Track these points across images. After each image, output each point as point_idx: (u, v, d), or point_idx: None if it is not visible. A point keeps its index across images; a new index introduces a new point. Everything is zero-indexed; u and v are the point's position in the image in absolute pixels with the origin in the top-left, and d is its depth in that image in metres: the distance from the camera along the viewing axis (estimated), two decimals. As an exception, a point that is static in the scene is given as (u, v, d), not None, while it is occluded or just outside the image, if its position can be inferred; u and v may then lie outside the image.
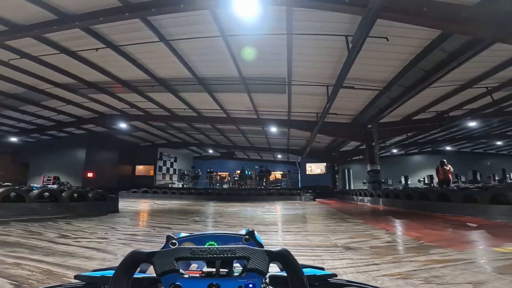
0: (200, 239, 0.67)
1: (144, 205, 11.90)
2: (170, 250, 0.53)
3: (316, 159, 21.39)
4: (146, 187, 18.58)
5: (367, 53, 7.05)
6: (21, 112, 13.61)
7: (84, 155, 18.38)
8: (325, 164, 21.82)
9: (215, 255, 0.54)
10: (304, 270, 0.61)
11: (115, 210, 8.18)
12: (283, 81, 9.49)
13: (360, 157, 20.78)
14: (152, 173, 22.38)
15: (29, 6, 6.03)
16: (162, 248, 0.59)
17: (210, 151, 24.23)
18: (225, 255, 0.54)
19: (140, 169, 22.65)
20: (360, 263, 2.67)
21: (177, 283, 0.51)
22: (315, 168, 22.21)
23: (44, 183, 17.02)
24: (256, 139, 19.58)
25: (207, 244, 0.66)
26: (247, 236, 0.72)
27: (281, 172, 25.76)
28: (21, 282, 2.12)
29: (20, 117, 14.40)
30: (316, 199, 16.55)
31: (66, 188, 7.87)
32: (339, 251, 3.33)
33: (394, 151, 22.24)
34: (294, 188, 20.71)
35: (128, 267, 0.51)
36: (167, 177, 23.57)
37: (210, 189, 20.40)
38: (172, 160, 24.24)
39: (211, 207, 11.78)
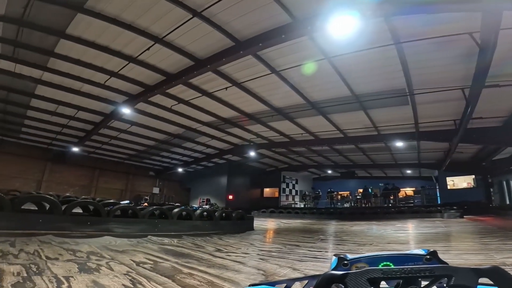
0: (374, 260, 0.60)
1: (272, 223, 12.43)
2: (363, 271, 0.49)
3: (460, 172, 17.00)
4: (272, 207, 19.50)
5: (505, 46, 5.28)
6: (183, 148, 17.01)
7: (226, 180, 21.25)
8: (473, 176, 17.04)
9: (410, 275, 0.48)
10: None
11: (251, 228, 8.89)
12: (402, 92, 8.38)
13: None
14: (276, 194, 23.44)
15: (175, 55, 7.41)
16: (332, 269, 0.56)
17: (329, 171, 23.35)
18: (422, 274, 0.48)
19: (267, 191, 24.18)
20: None
21: None
22: (459, 182, 17.64)
23: (200, 204, 20.60)
24: (379, 156, 17.43)
25: (381, 265, 0.60)
26: (428, 256, 0.64)
27: (413, 189, 21.72)
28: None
29: (183, 152, 18.01)
30: (464, 216, 12.91)
31: (215, 209, 9.24)
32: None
33: None
34: (432, 205, 16.90)
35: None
36: (290, 198, 24.10)
37: (331, 208, 19.39)
38: (293, 182, 24.78)
39: (334, 226, 11.09)
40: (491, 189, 17.07)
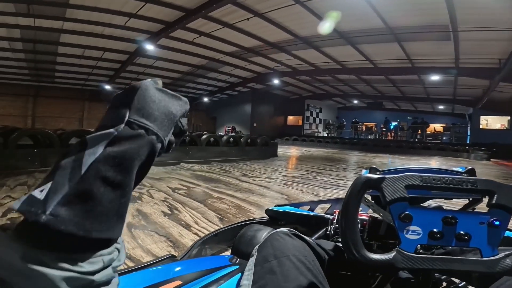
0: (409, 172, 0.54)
1: (295, 151, 12.81)
2: (401, 176, 0.46)
3: (496, 112, 15.61)
4: (296, 135, 19.79)
5: None
6: (207, 78, 17.20)
7: (250, 108, 21.62)
8: (508, 117, 15.55)
9: (451, 185, 0.45)
10: None
11: (275, 154, 9.22)
12: (444, 28, 7.89)
13: None
14: (300, 122, 23.54)
15: None
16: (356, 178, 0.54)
17: (355, 101, 22.41)
18: (464, 187, 0.45)
19: (290, 119, 24.26)
20: None
21: (407, 212, 0.45)
22: (493, 122, 16.43)
23: (226, 132, 21.40)
24: (410, 89, 16.46)
25: None
26: (466, 173, 0.62)
27: (443, 125, 20.48)
28: (223, 216, 2.68)
29: (207, 82, 18.23)
30: (491, 159, 12.30)
31: (241, 135, 9.51)
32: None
33: None
34: (461, 144, 16.15)
35: (358, 192, 0.48)
36: (314, 127, 24.25)
37: (355, 139, 19.31)
38: (318, 110, 24.44)
39: (356, 157, 11.23)
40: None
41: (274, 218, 1.01)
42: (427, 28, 8.07)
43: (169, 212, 2.65)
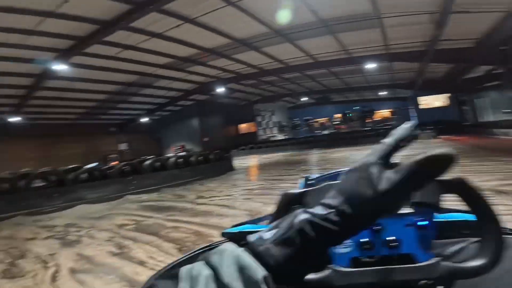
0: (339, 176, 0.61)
1: (252, 160, 13.02)
2: (320, 188, 0.47)
3: (433, 91, 18.04)
4: (251, 143, 20.09)
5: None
6: (142, 96, 16.32)
7: (198, 122, 21.15)
8: (447, 95, 18.17)
9: None
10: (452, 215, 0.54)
11: (231, 168, 9.26)
12: (368, 16, 8.80)
13: (496, 83, 16.17)
14: (254, 129, 23.97)
15: (103, 2, 6.83)
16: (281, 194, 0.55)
17: (304, 98, 23.72)
18: None
19: (243, 127, 24.55)
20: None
21: None
22: (433, 101, 18.87)
23: (174, 152, 20.66)
24: (353, 79, 17.87)
25: None
26: None
27: (390, 110, 22.93)
28: (182, 245, 2.64)
29: (143, 100, 17.29)
30: (440, 136, 14.20)
31: (190, 153, 9.33)
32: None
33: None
34: None
35: (280, 211, 0.49)
36: (268, 131, 24.76)
37: (311, 137, 20.41)
38: (269, 114, 25.11)
39: (316, 155, 11.87)
40: (464, 108, 18.45)
41: (233, 240, 1.05)
42: (352, 18, 8.84)
43: (118, 251, 2.52)
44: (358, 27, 9.54)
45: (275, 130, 25.14)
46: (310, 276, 0.44)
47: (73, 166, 7.52)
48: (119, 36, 8.62)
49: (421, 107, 19.37)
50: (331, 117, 23.50)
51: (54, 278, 2.04)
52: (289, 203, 0.50)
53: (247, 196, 4.86)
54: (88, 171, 6.39)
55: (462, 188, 0.39)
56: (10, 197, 5.12)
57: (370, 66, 13.34)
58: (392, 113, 22.55)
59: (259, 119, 24.18)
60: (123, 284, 1.87)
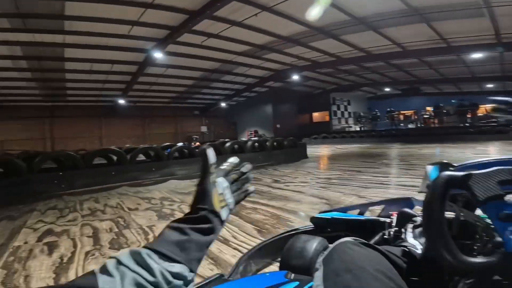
0: (492, 165, 0.50)
1: (326, 150, 12.54)
2: (491, 172, 0.44)
3: None
4: (324, 132, 19.36)
5: None
6: (222, 82, 17.30)
7: (271, 109, 21.47)
8: None
9: None
10: None
11: (305, 156, 9.07)
12: (476, 5, 7.89)
13: None
14: (327, 118, 23.04)
15: None
16: (431, 177, 0.52)
17: (387, 89, 21.47)
18: None
19: (316, 116, 23.86)
20: None
21: (507, 211, 0.43)
22: None
23: (248, 137, 21.51)
24: (450, 70, 15.49)
25: None
26: None
27: (495, 106, 18.93)
28: (261, 227, 2.65)
29: (223, 86, 18.31)
30: None
31: (266, 139, 9.49)
32: None
33: None
34: None
35: (442, 193, 0.46)
36: (343, 121, 23.54)
37: (393, 130, 18.47)
38: (345, 103, 23.75)
39: (398, 149, 10.73)
40: None
41: (321, 226, 1.00)
42: (456, 7, 7.90)
43: None
44: (460, 15, 8.57)
45: (350, 121, 23.68)
46: (477, 259, 0.43)
47: (167, 143, 8.50)
48: (205, 25, 9.19)
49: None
50: (420, 110, 20.70)
51: None
52: (453, 186, 0.46)
53: (323, 185, 4.68)
54: (179, 149, 7.10)
55: None
56: (118, 168, 6.03)
57: (476, 56, 11.70)
58: (499, 109, 18.53)
59: (334, 108, 23.06)
60: (209, 262, 1.96)
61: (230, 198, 0.46)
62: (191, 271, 0.36)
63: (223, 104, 22.39)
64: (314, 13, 7.79)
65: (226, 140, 8.08)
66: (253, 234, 2.49)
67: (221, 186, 0.44)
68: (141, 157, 7.17)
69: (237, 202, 0.48)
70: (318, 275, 0.45)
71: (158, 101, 20.36)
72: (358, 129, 22.29)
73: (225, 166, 0.48)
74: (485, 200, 0.43)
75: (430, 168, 0.65)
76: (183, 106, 22.50)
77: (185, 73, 14.59)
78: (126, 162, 6.14)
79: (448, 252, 0.45)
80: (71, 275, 1.92)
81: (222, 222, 0.43)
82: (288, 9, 8.57)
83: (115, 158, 6.34)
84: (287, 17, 9.08)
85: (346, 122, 23.70)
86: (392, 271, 0.45)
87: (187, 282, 0.35)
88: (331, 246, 0.52)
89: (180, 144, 8.10)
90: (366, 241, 0.52)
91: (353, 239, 0.52)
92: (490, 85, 18.67)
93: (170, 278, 0.32)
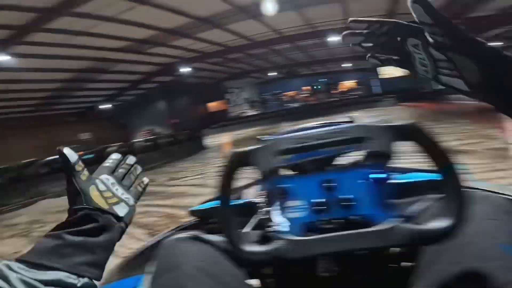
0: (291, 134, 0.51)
1: (225, 137, 12.86)
2: (270, 144, 0.41)
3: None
4: (223, 121, 19.76)
5: None
6: (100, 82, 15.34)
7: (165, 104, 20.35)
8: None
9: (324, 140, 0.39)
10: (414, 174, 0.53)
11: (202, 147, 9.04)
12: None
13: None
14: (224, 107, 23.54)
15: None
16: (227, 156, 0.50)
17: (272, 73, 23.49)
18: (336, 139, 0.39)
19: (213, 105, 24.04)
20: (479, 169, 2.26)
21: (279, 185, 0.42)
22: (394, 71, 19.61)
23: (144, 137, 19.77)
24: (318, 52, 18.11)
25: None
26: (347, 121, 0.59)
27: (354, 81, 23.46)
28: (154, 230, 2.50)
29: (102, 86, 16.31)
30: (401, 104, 14.84)
31: (158, 136, 8.95)
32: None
33: None
34: (373, 95, 18.89)
35: (230, 172, 0.43)
36: (238, 108, 24.49)
37: (281, 110, 20.48)
38: (238, 90, 24.70)
39: (287, 127, 11.97)
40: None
41: (203, 219, 0.95)
42: None
43: None
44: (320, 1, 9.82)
45: (245, 107, 24.90)
46: (256, 248, 0.40)
47: (29, 160, 6.92)
48: (65, 22, 7.98)
49: (381, 77, 20.02)
50: (300, 90, 23.61)
51: None
52: (240, 164, 0.43)
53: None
54: (46, 163, 5.89)
55: (417, 136, 0.35)
56: None
57: (332, 39, 13.53)
58: (357, 83, 23.23)
59: (228, 96, 23.68)
60: None
61: (124, 194, 0.42)
62: (81, 276, 0.32)
63: (107, 106, 19.91)
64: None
65: (111, 145, 7.14)
66: (144, 239, 2.30)
67: (104, 183, 0.41)
68: None
69: (138, 196, 0.46)
70: (147, 279, 0.43)
71: (16, 111, 16.45)
72: (253, 113, 23.71)
73: (107, 164, 0.44)
74: (265, 176, 0.40)
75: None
76: (53, 113, 18.83)
77: (48, 76, 12.25)
78: None
79: (231, 240, 0.42)
80: None
81: (119, 219, 0.39)
82: (169, 1, 8.20)
83: None
84: (167, 9, 8.67)
85: (242, 108, 24.80)
86: (221, 266, 0.43)
87: None
88: (159, 246, 0.49)
89: (48, 158, 6.67)
90: (199, 235, 0.49)
91: (184, 234, 0.49)
92: (348, 64, 22.85)
93: (39, 285, 0.28)
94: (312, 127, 0.54)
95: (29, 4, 6.64)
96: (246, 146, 0.44)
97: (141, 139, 8.38)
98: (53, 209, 4.22)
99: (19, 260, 0.30)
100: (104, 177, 0.41)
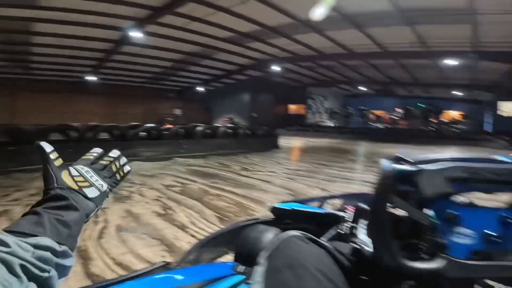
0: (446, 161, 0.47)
1: (298, 142, 12.73)
2: (442, 168, 0.42)
3: None
4: (298, 125, 19.58)
5: None
6: (201, 66, 16.92)
7: (249, 97, 21.39)
8: None
9: (504, 177, 0.40)
10: None
11: (276, 146, 9.09)
12: (463, 11, 7.90)
13: None
14: (303, 111, 23.44)
15: None
16: (384, 170, 0.48)
17: (363, 88, 22.06)
18: None
19: (292, 108, 24.13)
20: None
21: (454, 212, 0.41)
22: None
23: (223, 123, 21.14)
24: (423, 74, 16.12)
25: None
26: None
27: (461, 113, 20.06)
28: (223, 215, 2.56)
29: (201, 70, 17.91)
30: None
31: (239, 126, 9.37)
32: None
33: None
34: (483, 132, 15.88)
35: (388, 187, 0.43)
36: (318, 116, 23.91)
37: (363, 128, 19.11)
38: (322, 98, 24.12)
39: (365, 147, 11.12)
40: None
41: (280, 217, 0.97)
42: (442, 11, 7.90)
43: (163, 212, 2.55)
44: (444, 21, 8.63)
45: (325, 116, 24.15)
46: (419, 264, 0.40)
47: (134, 123, 8.05)
48: (190, 7, 8.91)
49: (500, 113, 16.62)
50: (391, 111, 21.54)
51: (100, 234, 2.09)
52: (401, 180, 0.43)
53: (290, 176, 4.69)
54: (147, 129, 6.75)
55: None
56: (76, 146, 5.56)
57: (451, 62, 11.86)
58: (464, 116, 19.82)
59: (310, 102, 23.34)
60: (163, 248, 1.82)
61: (99, 181, 0.45)
62: (62, 244, 0.35)
63: (200, 89, 21.97)
64: (318, 13, 7.81)
65: (198, 124, 7.83)
66: (213, 221, 2.40)
67: (77, 170, 0.44)
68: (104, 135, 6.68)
69: (116, 184, 0.49)
70: (260, 270, 0.44)
71: (131, 81, 19.64)
72: (331, 124, 22.82)
73: (85, 156, 0.48)
74: (431, 198, 0.41)
75: (384, 162, 0.59)
76: (158, 87, 21.86)
77: (164, 55, 14.10)
78: (85, 139, 5.69)
79: (388, 254, 0.42)
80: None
81: (89, 199, 0.42)
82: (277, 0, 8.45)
83: (74, 134, 5.81)
84: (275, 8, 8.93)
85: (321, 117, 24.15)
86: (334, 271, 0.44)
87: (58, 253, 0.34)
88: (275, 240, 0.50)
89: (148, 125, 7.66)
90: (312, 236, 0.50)
91: (300, 233, 0.50)
92: (457, 92, 19.74)
93: (29, 248, 0.31)
94: (483, 159, 0.51)
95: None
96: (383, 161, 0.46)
97: (224, 125, 8.95)
98: (141, 171, 4.75)
99: (7, 231, 0.33)
100: (79, 166, 0.45)
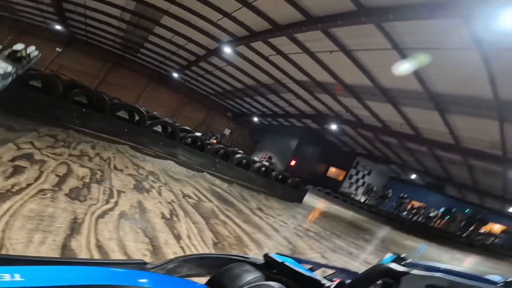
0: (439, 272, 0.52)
1: (322, 205, 12.28)
2: (425, 275, 0.44)
3: None
4: (331, 189, 18.91)
5: None
6: (265, 99, 17.52)
7: (295, 144, 21.33)
8: None
9: None
10: None
11: (300, 200, 8.93)
12: None
13: None
14: (341, 178, 22.64)
15: (288, 7, 7.26)
16: (382, 262, 0.53)
17: (413, 176, 20.73)
18: None
19: (332, 171, 23.52)
20: None
21: None
22: None
23: (261, 158, 21.43)
24: (486, 180, 14.56)
25: None
26: (502, 284, 0.56)
27: (504, 227, 17.84)
28: (219, 241, 2.68)
29: (264, 103, 18.62)
30: None
31: (274, 168, 9.42)
32: None
33: None
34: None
35: (370, 279, 0.47)
36: (353, 187, 22.85)
37: (393, 215, 17.72)
38: (365, 172, 23.14)
39: (386, 232, 10.37)
40: None
41: (269, 265, 0.98)
42: None
43: (168, 216, 2.70)
44: None
45: (360, 189, 23.00)
46: None
47: (186, 127, 8.63)
48: (280, 41, 9.32)
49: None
50: (430, 207, 19.76)
51: (104, 214, 2.09)
52: (382, 275, 0.47)
53: (299, 233, 4.63)
54: (194, 137, 7.16)
55: None
56: (133, 128, 5.94)
57: None
58: (503, 230, 17.74)
59: (353, 171, 22.59)
60: (148, 248, 1.95)
61: (8, 66, 0.61)
62: None
63: (255, 119, 22.74)
64: (403, 68, 7.49)
65: (239, 151, 8.16)
66: (208, 244, 2.46)
67: None
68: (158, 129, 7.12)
69: (23, 67, 0.65)
70: None
71: (204, 89, 21.27)
72: (363, 200, 21.60)
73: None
74: None
75: (387, 255, 0.65)
76: (221, 103, 23.24)
77: (240, 76, 14.97)
78: (143, 126, 6.03)
79: None
80: (5, 206, 1.65)
81: None
82: (363, 58, 8.34)
83: (137, 118, 6.25)
84: (359, 66, 8.77)
85: (356, 189, 23.06)
86: None
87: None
88: (254, 285, 0.52)
89: (198, 133, 8.13)
90: None
91: (279, 285, 0.53)
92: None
93: None
94: (471, 276, 0.55)
95: (272, 16, 8.18)
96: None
97: (260, 161, 9.12)
98: (171, 172, 4.90)
99: None
100: None
